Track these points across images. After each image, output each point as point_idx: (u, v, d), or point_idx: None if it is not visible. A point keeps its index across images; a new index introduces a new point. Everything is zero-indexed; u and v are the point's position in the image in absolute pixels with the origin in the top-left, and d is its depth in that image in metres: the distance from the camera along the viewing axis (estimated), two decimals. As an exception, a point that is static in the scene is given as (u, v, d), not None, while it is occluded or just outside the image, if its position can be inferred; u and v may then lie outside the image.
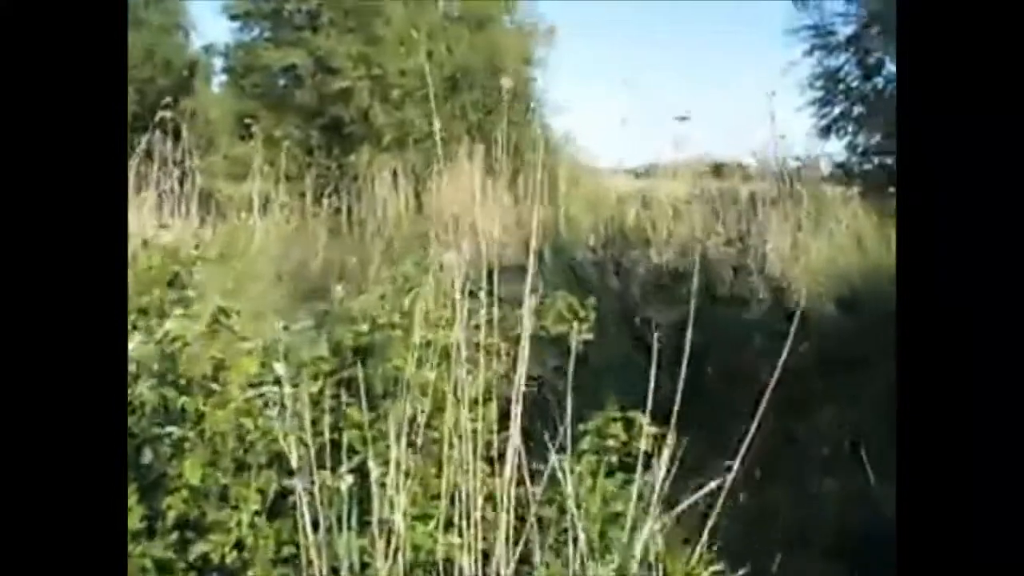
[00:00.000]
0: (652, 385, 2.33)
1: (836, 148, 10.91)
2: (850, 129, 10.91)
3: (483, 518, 2.32)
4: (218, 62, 13.88)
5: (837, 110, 10.85)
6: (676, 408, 2.33)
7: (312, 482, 2.07)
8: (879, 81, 10.55)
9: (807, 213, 7.74)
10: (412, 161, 11.24)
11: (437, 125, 3.13)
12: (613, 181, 13.31)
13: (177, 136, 8.18)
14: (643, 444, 2.30)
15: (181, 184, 8.06)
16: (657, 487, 2.19)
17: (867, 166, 10.78)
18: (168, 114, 7.85)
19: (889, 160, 10.57)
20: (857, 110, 10.78)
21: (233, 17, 13.38)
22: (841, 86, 10.62)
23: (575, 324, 3.06)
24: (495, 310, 2.65)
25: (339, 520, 2.16)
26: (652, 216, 8.56)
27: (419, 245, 6.83)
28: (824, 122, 10.86)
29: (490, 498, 2.33)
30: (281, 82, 13.31)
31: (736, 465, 2.11)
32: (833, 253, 7.42)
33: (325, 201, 10.73)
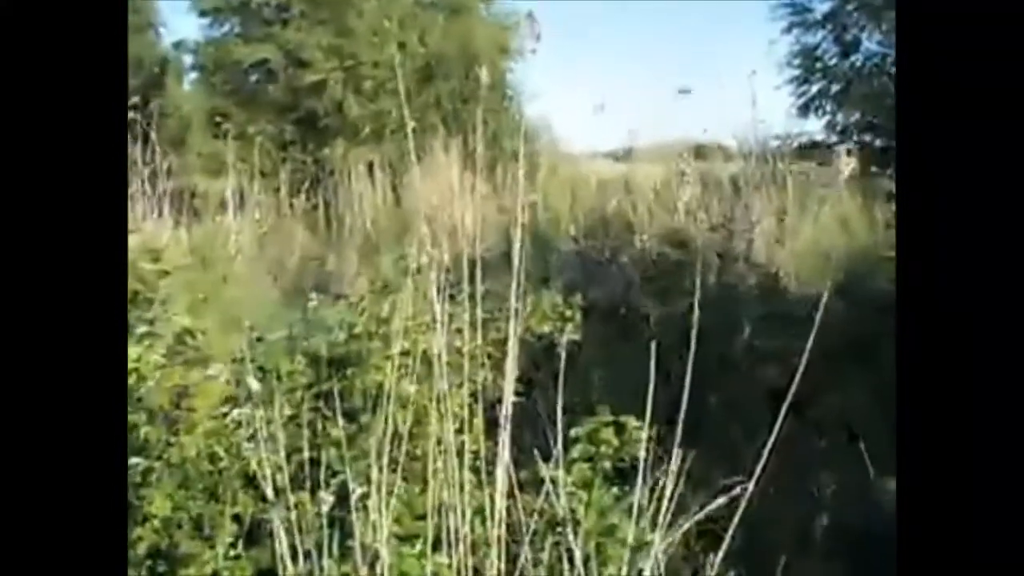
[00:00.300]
0: (651, 386, 2.16)
1: (816, 127, 10.84)
2: (828, 108, 10.84)
3: (471, 531, 2.21)
4: (188, 59, 13.65)
5: (815, 88, 10.79)
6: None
7: (288, 508, 1.93)
8: (857, 59, 10.49)
9: (791, 196, 7.64)
10: (389, 153, 11.07)
11: (408, 116, 2.95)
12: (592, 166, 13.18)
13: (147, 136, 7.99)
14: (642, 452, 2.14)
15: (153, 184, 7.88)
16: (665, 504, 2.02)
17: (846, 145, 10.71)
18: (136, 115, 7.66)
19: (867, 138, 10.52)
20: (835, 88, 10.71)
21: (202, 13, 13.15)
22: (819, 64, 10.55)
23: (561, 324, 2.94)
24: (478, 312, 2.52)
25: (319, 547, 2.03)
26: (634, 201, 8.45)
27: (398, 241, 6.70)
28: (802, 100, 10.81)
29: (478, 514, 2.21)
30: (253, 77, 13.11)
31: (759, 467, 1.93)
32: (817, 234, 7.33)
33: (301, 197, 10.57)
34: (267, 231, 8.54)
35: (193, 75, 13.76)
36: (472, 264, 2.58)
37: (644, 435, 2.23)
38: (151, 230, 7.22)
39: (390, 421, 2.21)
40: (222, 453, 2.25)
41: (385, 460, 2.10)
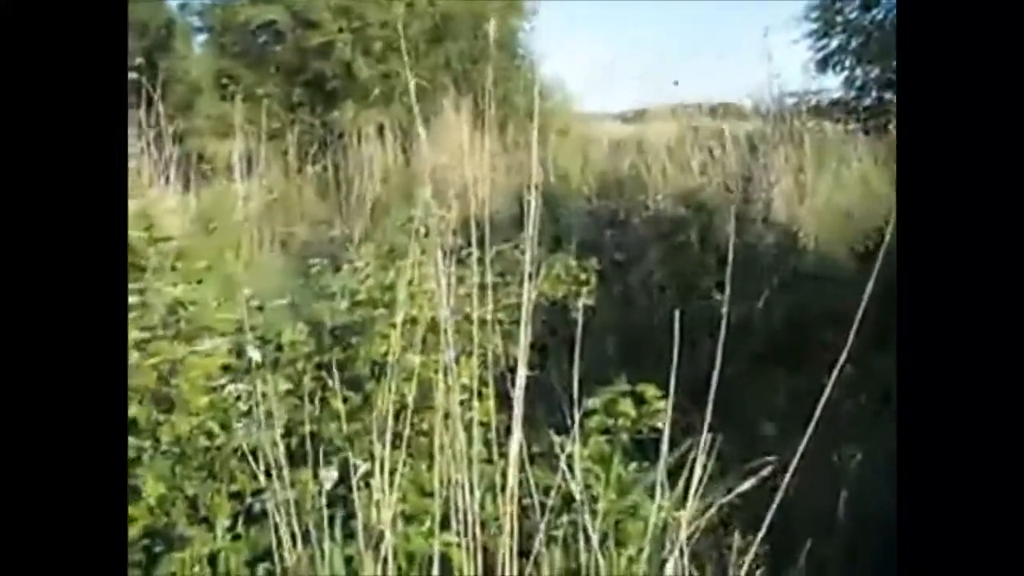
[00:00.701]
0: (675, 354, 1.96)
1: (834, 83, 10.62)
2: (848, 63, 10.60)
3: (482, 508, 2.08)
4: (195, 21, 13.46)
5: (834, 43, 10.54)
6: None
7: (284, 487, 1.80)
8: (878, 12, 10.23)
9: (808, 154, 7.44)
10: (398, 115, 10.89)
11: (411, 77, 2.79)
12: (604, 127, 13.04)
13: (153, 99, 7.82)
14: (667, 425, 1.96)
15: (160, 148, 7.74)
16: (695, 482, 1.84)
17: (866, 101, 10.49)
18: (141, 76, 7.51)
19: (888, 95, 10.28)
20: (855, 42, 10.46)
21: (209, -27, 12.96)
22: (839, 18, 10.30)
23: (576, 288, 2.79)
24: (488, 276, 2.38)
25: (321, 527, 1.91)
26: (647, 161, 8.28)
27: (407, 204, 6.54)
28: (821, 55, 10.57)
29: (489, 491, 2.08)
30: (261, 39, 12.93)
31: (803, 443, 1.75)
32: (837, 192, 7.15)
33: (310, 160, 10.43)
34: (275, 196, 8.40)
35: (200, 37, 13.60)
36: (481, 226, 2.43)
37: (668, 405, 2.02)
38: (157, 195, 7.09)
39: (394, 393, 2.09)
40: (218, 430, 2.12)
41: (389, 435, 1.97)
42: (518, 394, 2.04)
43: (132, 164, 7.30)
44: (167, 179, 7.80)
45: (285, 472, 1.84)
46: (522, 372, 2.04)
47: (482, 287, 2.33)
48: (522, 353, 2.11)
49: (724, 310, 1.83)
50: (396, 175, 9.64)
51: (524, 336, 2.11)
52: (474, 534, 1.99)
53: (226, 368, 2.27)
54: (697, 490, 1.82)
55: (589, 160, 9.40)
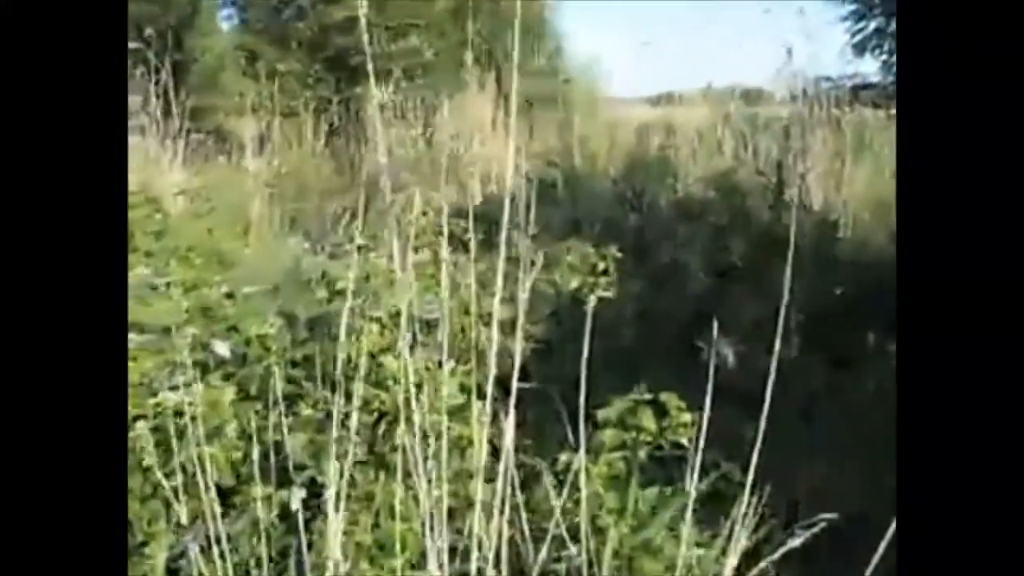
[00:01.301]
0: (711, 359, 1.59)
1: (871, 68, 10.25)
2: (886, 47, 10.22)
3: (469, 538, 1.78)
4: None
5: (872, 25, 10.17)
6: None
7: (210, 520, 1.48)
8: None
9: (845, 140, 7.10)
10: (420, 93, 10.66)
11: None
12: (633, 110, 12.85)
13: (172, 74, 7.59)
14: (701, 441, 1.61)
15: (171, 124, 7.51)
16: (738, 528, 1.47)
17: (903, 86, 10.09)
18: (148, 49, 7.30)
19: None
20: (894, 26, 10.07)
21: (232, -51, 12.84)
22: (876, -1, 9.92)
23: (593, 279, 2.46)
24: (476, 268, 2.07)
25: (281, 559, 1.60)
26: (677, 144, 7.99)
27: (424, 183, 6.24)
28: (858, 38, 10.20)
29: (479, 519, 1.76)
30: (283, 15, 12.80)
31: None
32: (874, 182, 6.83)
33: (329, 137, 10.25)
34: (288, 172, 8.14)
35: (223, 12, 13.47)
36: (485, 209, 2.11)
37: (702, 419, 1.64)
38: (163, 171, 6.85)
39: (361, 399, 1.77)
40: (151, 447, 1.79)
41: (355, 450, 1.65)
42: (511, 401, 1.72)
43: (139, 140, 7.09)
44: (181, 156, 7.58)
45: (216, 507, 1.51)
46: (515, 376, 1.71)
47: (480, 279, 2.03)
48: (516, 356, 1.77)
49: (783, 305, 1.50)
50: (416, 153, 9.35)
51: (494, 331, 1.79)
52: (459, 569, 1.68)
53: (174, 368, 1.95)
54: (741, 527, 1.47)
55: (616, 143, 9.11)
